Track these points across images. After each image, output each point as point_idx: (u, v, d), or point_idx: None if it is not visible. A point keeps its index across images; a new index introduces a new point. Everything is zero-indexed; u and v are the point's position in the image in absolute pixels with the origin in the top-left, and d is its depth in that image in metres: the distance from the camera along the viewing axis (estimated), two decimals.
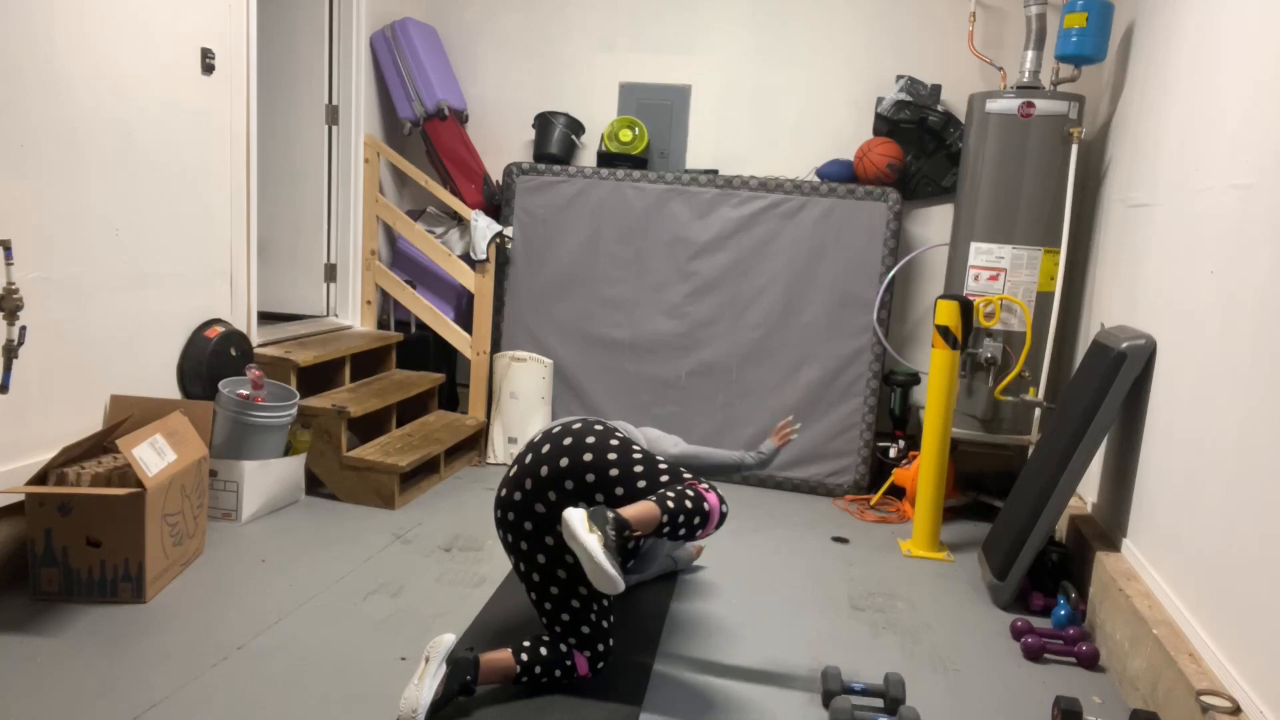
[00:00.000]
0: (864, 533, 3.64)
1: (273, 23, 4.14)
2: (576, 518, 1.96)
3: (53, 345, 2.68)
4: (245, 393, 3.27)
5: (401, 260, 4.55)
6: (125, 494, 2.47)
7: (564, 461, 2.22)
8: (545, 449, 2.26)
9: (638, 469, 2.21)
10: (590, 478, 2.20)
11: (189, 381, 3.23)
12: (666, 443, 2.72)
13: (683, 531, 2.07)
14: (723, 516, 2.15)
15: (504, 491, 2.30)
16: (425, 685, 2.01)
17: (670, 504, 2.04)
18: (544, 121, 4.42)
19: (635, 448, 2.26)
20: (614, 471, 2.19)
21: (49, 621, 2.41)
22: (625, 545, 1.97)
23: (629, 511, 2.00)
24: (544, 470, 2.24)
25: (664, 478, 2.20)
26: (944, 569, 3.29)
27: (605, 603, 2.27)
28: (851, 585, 3.08)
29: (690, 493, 2.08)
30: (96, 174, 2.79)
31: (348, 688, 2.20)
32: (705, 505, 2.08)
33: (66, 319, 2.72)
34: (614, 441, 2.25)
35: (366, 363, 4.21)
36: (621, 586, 1.91)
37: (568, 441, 2.25)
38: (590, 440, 2.24)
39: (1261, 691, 1.88)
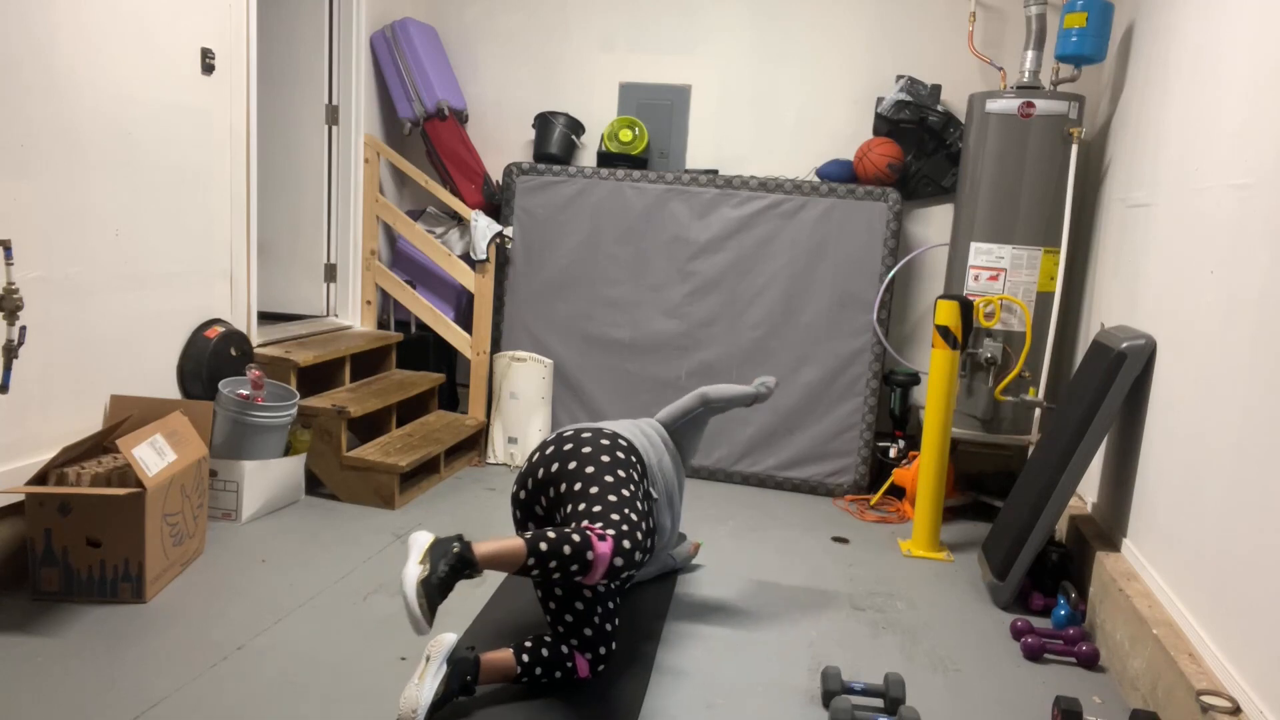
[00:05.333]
0: (864, 533, 3.64)
1: (273, 23, 4.14)
2: (418, 544, 1.91)
3: (53, 345, 2.68)
4: (245, 393, 3.27)
5: (401, 260, 4.55)
6: (125, 494, 2.47)
7: (554, 467, 2.29)
8: (550, 450, 2.34)
9: (594, 489, 2.16)
10: (563, 488, 2.24)
11: (189, 381, 3.23)
12: (652, 433, 2.68)
13: (556, 576, 1.95)
14: (614, 569, 1.97)
15: (515, 487, 2.41)
16: (425, 685, 2.01)
17: (543, 546, 1.92)
18: (544, 121, 4.42)
19: (618, 473, 2.23)
20: (577, 485, 2.21)
21: (49, 621, 2.41)
22: (454, 581, 1.88)
23: (486, 547, 1.92)
24: (540, 473, 2.32)
25: (597, 507, 2.10)
26: (944, 569, 3.29)
27: (610, 606, 2.27)
28: (851, 585, 3.08)
29: (576, 537, 1.95)
30: (96, 174, 2.79)
31: (348, 688, 2.20)
32: (589, 554, 1.94)
33: (66, 319, 2.72)
34: (604, 459, 2.26)
35: (366, 363, 4.21)
36: (425, 630, 1.82)
37: (567, 448, 2.31)
38: (586, 450, 2.29)
39: (1261, 691, 1.88)
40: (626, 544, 2.00)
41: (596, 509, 2.11)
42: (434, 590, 1.83)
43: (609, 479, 2.20)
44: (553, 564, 1.93)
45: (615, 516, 2.08)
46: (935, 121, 4.07)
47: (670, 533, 2.64)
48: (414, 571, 1.85)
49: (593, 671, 2.25)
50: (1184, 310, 2.56)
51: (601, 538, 1.98)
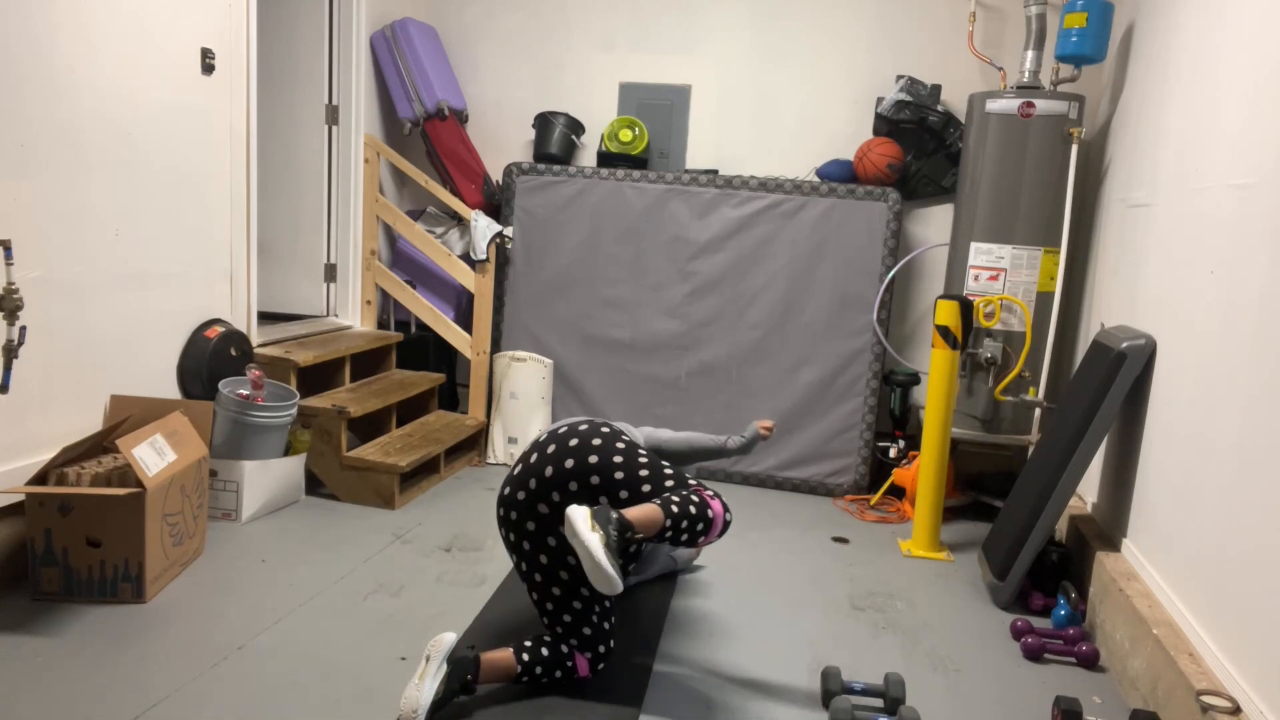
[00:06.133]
0: (864, 533, 3.64)
1: (273, 23, 4.14)
2: (580, 515, 1.97)
3: (53, 345, 2.68)
4: (245, 393, 3.27)
5: (401, 260, 4.55)
6: (125, 494, 2.47)
7: (569, 462, 2.22)
8: (551, 449, 2.27)
9: (643, 472, 2.20)
10: (595, 480, 2.19)
11: (189, 381, 3.23)
12: (661, 435, 2.75)
13: (685, 537, 2.07)
14: (726, 524, 2.14)
15: (507, 490, 2.31)
16: (426, 685, 2.01)
17: (675, 508, 2.04)
18: (544, 121, 4.43)
19: (641, 451, 2.26)
20: (619, 474, 2.19)
21: (49, 621, 2.41)
22: (627, 546, 1.98)
23: (632, 513, 2.00)
24: (548, 470, 2.25)
25: (669, 482, 2.19)
26: (944, 569, 3.29)
27: (607, 604, 2.27)
28: (851, 585, 3.08)
29: (695, 499, 2.08)
30: (96, 174, 2.79)
31: (348, 688, 2.20)
32: (709, 512, 2.09)
33: (66, 319, 2.72)
34: (620, 444, 2.25)
35: (366, 363, 4.21)
36: (620, 587, 1.92)
37: (574, 443, 2.25)
38: (596, 442, 2.24)
39: (1261, 691, 1.88)
40: (724, 500, 2.16)
41: (669, 483, 2.19)
42: (615, 551, 1.92)
43: (643, 458, 2.24)
44: (684, 524, 2.05)
45: (692, 483, 2.19)
46: (935, 121, 4.07)
47: None
48: (595, 538, 1.92)
49: (593, 671, 2.25)
50: (1184, 310, 2.56)
51: (712, 496, 2.13)
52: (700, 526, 2.08)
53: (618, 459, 2.22)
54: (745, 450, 2.75)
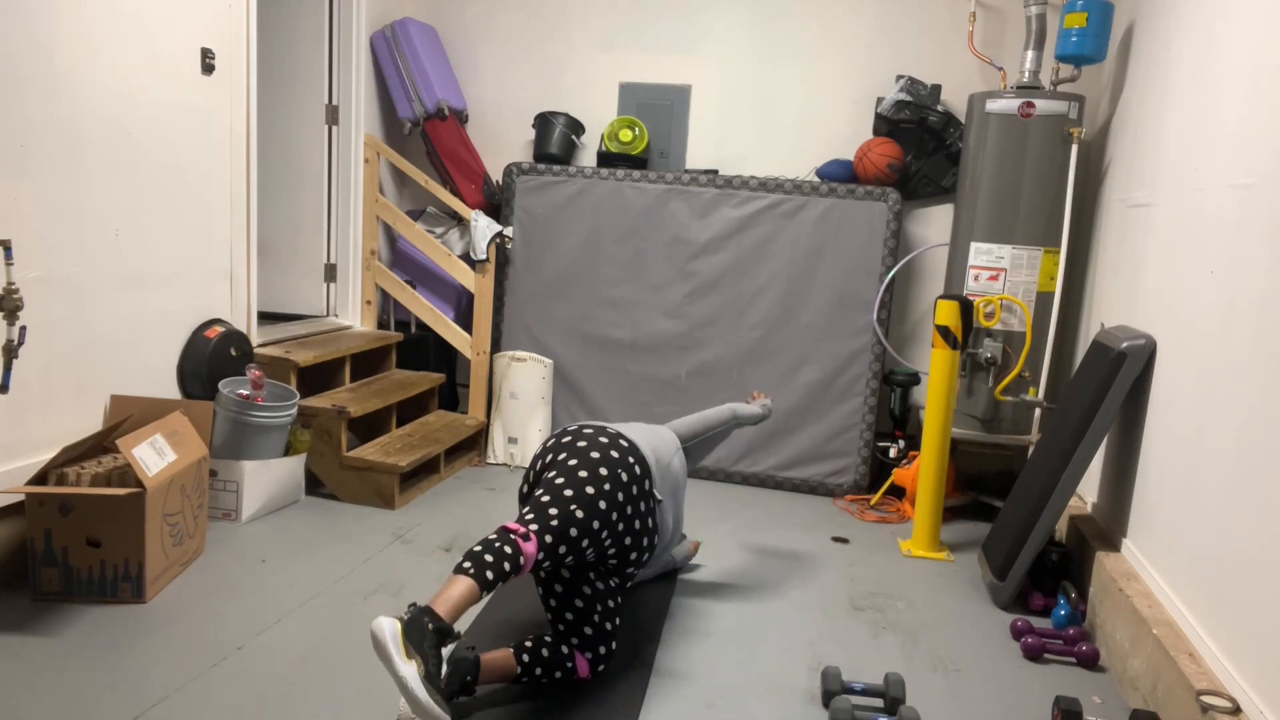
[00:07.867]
0: (864, 533, 3.64)
1: (273, 23, 4.14)
2: (389, 635, 1.73)
3: (53, 345, 2.68)
4: (245, 393, 3.28)
5: (401, 260, 4.55)
6: (125, 494, 2.47)
7: (552, 473, 2.27)
8: (561, 455, 2.31)
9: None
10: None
11: (189, 381, 3.23)
12: (666, 437, 2.71)
13: (502, 584, 1.99)
14: (538, 562, 2.04)
15: (525, 488, 2.40)
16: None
17: (489, 574, 1.93)
18: (544, 121, 4.43)
19: (616, 513, 2.22)
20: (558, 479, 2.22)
21: (49, 621, 2.41)
22: (442, 650, 1.81)
23: (445, 607, 1.84)
24: (540, 470, 2.32)
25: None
26: (944, 569, 3.29)
27: (610, 604, 2.27)
28: (851, 585, 3.08)
29: (508, 550, 1.98)
30: (96, 174, 2.79)
31: (348, 688, 2.20)
32: (520, 560, 1.98)
33: (66, 319, 2.72)
34: (602, 471, 2.24)
35: (366, 363, 4.21)
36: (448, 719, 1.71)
37: (563, 457, 2.29)
38: (595, 455, 2.27)
39: (1261, 691, 1.88)
40: (544, 541, 2.09)
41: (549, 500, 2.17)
42: (437, 678, 1.75)
43: (602, 503, 2.21)
44: (500, 583, 1.96)
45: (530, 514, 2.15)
46: (935, 121, 4.07)
47: (672, 532, 2.64)
48: (411, 671, 1.70)
49: (593, 672, 2.25)
50: (1184, 310, 2.56)
51: (525, 537, 2.03)
52: (508, 566, 1.96)
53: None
54: (758, 419, 3.07)
